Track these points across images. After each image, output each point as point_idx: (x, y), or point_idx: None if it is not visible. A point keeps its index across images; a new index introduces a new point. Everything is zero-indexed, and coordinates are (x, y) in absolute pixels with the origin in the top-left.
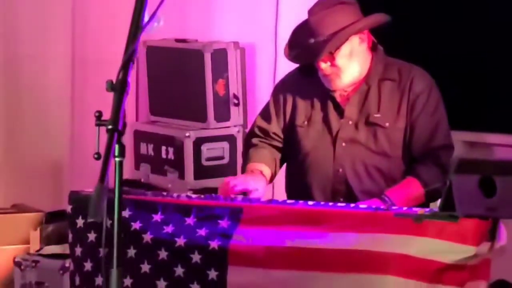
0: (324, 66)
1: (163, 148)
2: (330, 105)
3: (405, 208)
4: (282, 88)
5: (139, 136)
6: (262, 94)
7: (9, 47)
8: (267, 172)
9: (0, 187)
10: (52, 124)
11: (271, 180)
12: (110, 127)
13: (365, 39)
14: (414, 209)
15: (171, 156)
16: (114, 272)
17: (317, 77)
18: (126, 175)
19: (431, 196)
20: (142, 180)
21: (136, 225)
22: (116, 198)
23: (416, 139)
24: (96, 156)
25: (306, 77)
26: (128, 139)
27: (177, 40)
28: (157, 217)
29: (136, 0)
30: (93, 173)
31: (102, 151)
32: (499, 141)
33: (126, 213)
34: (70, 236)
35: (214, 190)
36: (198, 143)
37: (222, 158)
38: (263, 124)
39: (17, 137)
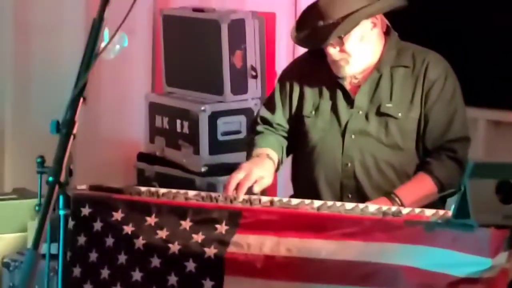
0: (332, 51)
1: (178, 121)
2: (339, 94)
3: (417, 211)
4: (289, 75)
5: (154, 108)
6: (281, 66)
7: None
8: (274, 156)
9: (6, 171)
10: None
11: (277, 168)
12: (50, 178)
13: (378, 23)
14: (427, 212)
15: (186, 130)
16: None
17: (327, 63)
18: (140, 148)
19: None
20: (157, 153)
21: (128, 229)
22: (60, 258)
23: (430, 130)
24: (37, 208)
25: (316, 62)
26: (143, 110)
27: (195, 10)
28: (151, 220)
29: (92, 24)
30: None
31: None
32: None
33: (118, 216)
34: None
35: (230, 165)
36: (214, 117)
37: (239, 132)
38: (266, 114)
39: (26, 118)
